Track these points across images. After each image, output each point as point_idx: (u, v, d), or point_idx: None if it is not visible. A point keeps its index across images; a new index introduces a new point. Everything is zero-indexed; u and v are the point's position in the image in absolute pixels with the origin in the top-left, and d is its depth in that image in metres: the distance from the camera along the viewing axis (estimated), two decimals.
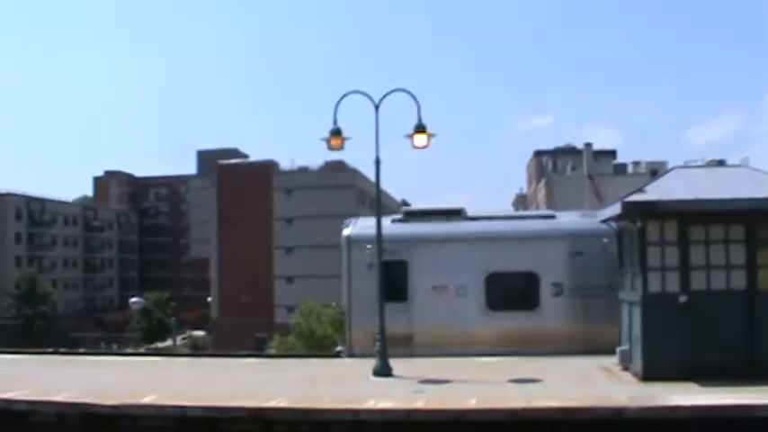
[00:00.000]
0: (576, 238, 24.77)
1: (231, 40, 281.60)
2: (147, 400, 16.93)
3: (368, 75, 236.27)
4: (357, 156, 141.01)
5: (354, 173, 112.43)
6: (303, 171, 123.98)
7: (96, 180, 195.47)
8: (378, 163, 20.96)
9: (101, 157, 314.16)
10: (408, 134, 20.94)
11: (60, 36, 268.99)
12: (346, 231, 26.25)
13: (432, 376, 19.07)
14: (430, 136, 21.06)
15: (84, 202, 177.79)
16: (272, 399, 16.49)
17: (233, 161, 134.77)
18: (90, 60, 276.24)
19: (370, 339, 23.18)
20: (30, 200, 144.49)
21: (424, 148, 21.19)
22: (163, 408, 16.52)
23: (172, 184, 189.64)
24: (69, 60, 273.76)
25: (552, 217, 26.29)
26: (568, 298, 24.25)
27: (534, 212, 25.88)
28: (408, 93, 21.08)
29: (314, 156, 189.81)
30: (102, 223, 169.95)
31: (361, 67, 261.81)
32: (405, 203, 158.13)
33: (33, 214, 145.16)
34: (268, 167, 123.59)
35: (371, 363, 20.12)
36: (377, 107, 20.96)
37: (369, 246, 24.36)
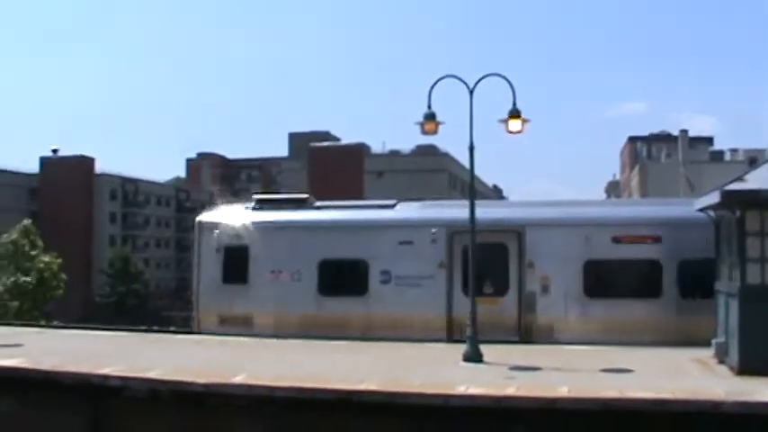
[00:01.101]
0: (405, 228, 25.66)
1: (326, 25, 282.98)
2: (238, 379, 17.09)
3: (461, 60, 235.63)
4: (449, 140, 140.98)
5: (446, 157, 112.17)
6: (394, 154, 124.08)
7: (189, 162, 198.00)
8: (472, 148, 20.76)
9: (194, 140, 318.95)
10: (503, 119, 20.74)
11: (157, 22, 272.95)
12: (199, 217, 28.70)
13: (522, 363, 18.91)
14: (525, 121, 20.83)
15: (176, 184, 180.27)
16: (361, 381, 16.50)
17: (324, 143, 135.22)
18: (184, 46, 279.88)
19: (215, 318, 26.54)
20: (124, 180, 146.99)
21: (518, 133, 20.98)
22: (252, 387, 16.65)
23: (263, 166, 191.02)
24: (164, 45, 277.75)
25: (391, 207, 26.98)
26: (395, 285, 25.09)
27: (374, 202, 28.88)
28: (503, 77, 20.83)
29: (405, 140, 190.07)
30: (195, 204, 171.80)
31: (454, 52, 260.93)
32: (497, 189, 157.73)
33: (128, 195, 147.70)
34: (359, 150, 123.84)
35: (462, 348, 19.99)
36: (471, 92, 20.73)
37: (217, 231, 27.14)
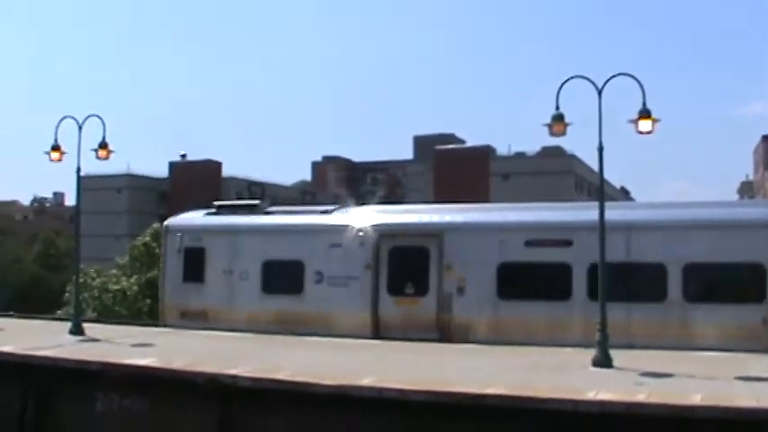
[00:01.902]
0: (335, 232, 27.59)
1: (451, 27, 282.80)
2: (366, 381, 17.12)
3: (589, 59, 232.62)
4: (575, 141, 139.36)
5: (572, 158, 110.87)
6: (520, 156, 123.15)
7: (314, 165, 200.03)
8: (600, 149, 20.30)
9: (320, 143, 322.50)
10: (632, 119, 20.31)
11: (282, 26, 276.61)
12: (166, 222, 32.00)
13: (653, 369, 18.44)
14: (655, 121, 20.35)
15: (302, 187, 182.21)
16: (490, 385, 16.36)
17: (449, 146, 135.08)
18: (308, 50, 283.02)
19: (176, 312, 29.58)
20: (250, 184, 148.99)
21: (648, 133, 20.49)
22: (381, 390, 16.64)
23: (389, 169, 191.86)
24: (290, 51, 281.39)
25: (328, 212, 29.47)
26: (327, 285, 27.02)
27: (315, 208, 32.72)
28: (632, 77, 20.38)
29: (531, 142, 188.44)
30: None
31: (581, 52, 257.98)
32: (624, 190, 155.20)
33: (254, 197, 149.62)
34: (485, 152, 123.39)
35: (591, 353, 19.64)
36: (600, 92, 20.33)
37: (179, 234, 30.07)
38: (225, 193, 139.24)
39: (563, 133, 20.82)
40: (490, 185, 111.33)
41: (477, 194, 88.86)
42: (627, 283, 23.26)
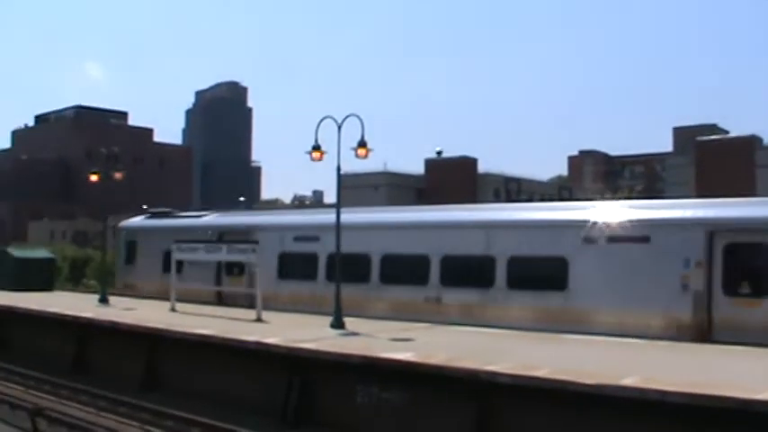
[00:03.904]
0: (199, 230, 39.15)
1: (709, 15, 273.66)
2: (628, 381, 16.61)
3: None
4: None
5: None
6: None
7: (570, 159, 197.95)
8: None
9: (577, 137, 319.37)
10: None
11: (543, 23, 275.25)
12: (119, 223, 46.53)
13: None
14: None
15: (559, 182, 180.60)
16: (761, 391, 15.35)
17: (711, 137, 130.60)
18: (567, 46, 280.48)
19: (123, 284, 43.63)
20: (507, 179, 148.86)
21: None
22: (644, 391, 16.11)
23: (647, 162, 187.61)
24: (547, 47, 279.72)
25: (200, 216, 42.66)
26: (189, 269, 36.61)
27: (194, 213, 46.27)
28: None
29: None
30: None
31: None
32: None
33: (510, 193, 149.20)
34: (750, 143, 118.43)
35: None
36: None
37: (124, 231, 45.07)
38: (481, 190, 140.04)
39: None
40: (757, 177, 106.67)
41: (742, 187, 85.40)
42: None
